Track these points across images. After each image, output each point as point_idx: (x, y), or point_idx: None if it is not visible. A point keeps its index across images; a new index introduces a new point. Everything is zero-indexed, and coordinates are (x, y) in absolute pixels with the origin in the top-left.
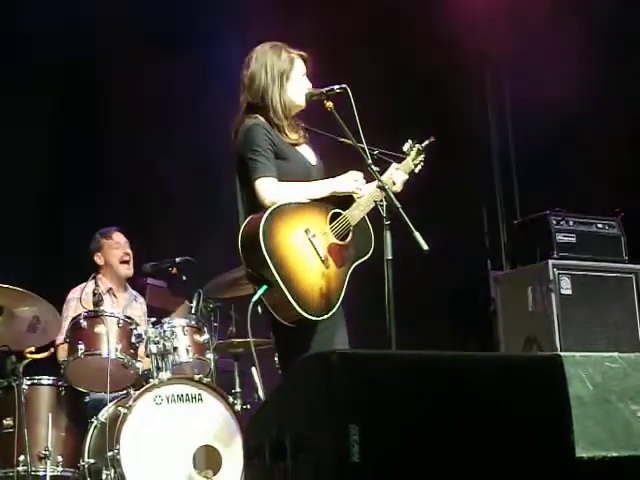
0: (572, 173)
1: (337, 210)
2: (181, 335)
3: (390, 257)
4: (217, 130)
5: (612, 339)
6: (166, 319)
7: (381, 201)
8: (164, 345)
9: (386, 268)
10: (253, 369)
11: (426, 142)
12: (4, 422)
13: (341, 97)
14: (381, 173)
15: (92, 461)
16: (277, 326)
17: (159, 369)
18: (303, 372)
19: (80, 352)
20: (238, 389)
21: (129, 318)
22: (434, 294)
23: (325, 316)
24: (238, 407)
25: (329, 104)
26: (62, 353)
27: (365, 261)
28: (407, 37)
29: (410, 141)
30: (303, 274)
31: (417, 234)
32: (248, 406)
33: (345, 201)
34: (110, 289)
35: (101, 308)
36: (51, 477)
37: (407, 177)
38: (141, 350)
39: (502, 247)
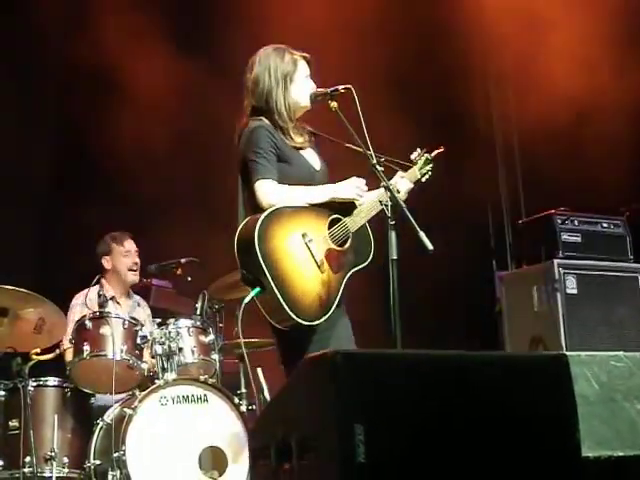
0: (577, 173)
1: (337, 216)
2: (186, 336)
3: (395, 257)
4: (222, 130)
5: (617, 338)
6: (171, 320)
7: (386, 201)
8: (169, 346)
9: (391, 268)
10: (259, 370)
11: (435, 152)
12: (10, 423)
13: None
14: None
15: (98, 462)
16: (275, 327)
17: (164, 370)
18: (308, 372)
19: (85, 353)
20: (243, 390)
21: (134, 319)
22: (439, 294)
23: (318, 321)
24: (243, 408)
25: (333, 104)
26: (68, 355)
27: (367, 264)
28: (412, 38)
29: (419, 150)
30: (297, 278)
31: (422, 234)
32: (254, 407)
33: (346, 207)
34: (113, 297)
35: (106, 310)
36: (57, 478)
37: (412, 186)
38: (146, 351)
39: (507, 247)
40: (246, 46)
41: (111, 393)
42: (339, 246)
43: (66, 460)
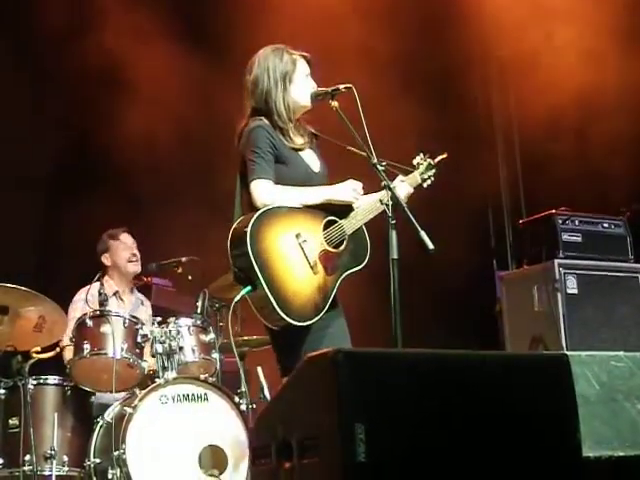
0: (578, 172)
1: (333, 218)
2: (187, 335)
3: (396, 257)
4: (225, 129)
5: (618, 338)
6: (172, 318)
7: (387, 201)
8: (170, 345)
9: (392, 268)
10: (259, 369)
11: (439, 158)
12: (10, 422)
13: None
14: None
15: (98, 461)
16: (269, 327)
17: (165, 369)
18: (309, 371)
19: (86, 352)
20: (244, 388)
21: (135, 318)
22: (440, 294)
23: (309, 322)
24: (244, 407)
25: (334, 104)
26: (68, 353)
27: (367, 263)
28: (411, 36)
29: (422, 154)
30: (289, 278)
31: (423, 233)
32: (254, 405)
33: (343, 210)
34: (116, 292)
35: (107, 308)
36: (57, 477)
37: (412, 190)
38: (147, 350)
39: (508, 247)
40: (251, 41)
41: (111, 391)
42: (334, 248)
43: (66, 458)
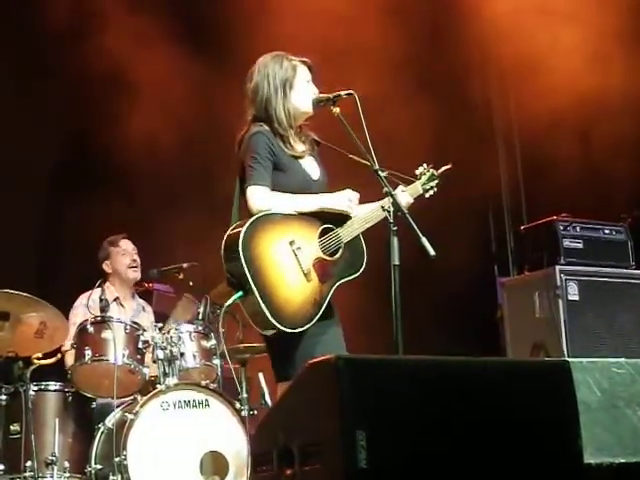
0: (579, 178)
1: (329, 226)
2: (188, 341)
3: (397, 263)
4: (227, 134)
5: (619, 345)
6: (173, 324)
7: (388, 207)
8: (171, 351)
9: (393, 274)
10: (260, 375)
11: (443, 169)
12: (11, 428)
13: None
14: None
15: (99, 467)
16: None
17: (166, 375)
18: (310, 378)
19: (87, 358)
20: (245, 395)
21: (136, 324)
22: (441, 300)
23: (300, 329)
24: (245, 413)
25: (336, 110)
26: (69, 359)
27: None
28: (411, 40)
29: (425, 165)
30: (281, 285)
31: (424, 239)
32: (255, 412)
33: (339, 218)
34: (117, 298)
35: (108, 314)
36: None
37: (412, 200)
38: (148, 356)
39: (509, 253)
40: (252, 45)
41: (112, 397)
42: (330, 256)
43: (67, 465)
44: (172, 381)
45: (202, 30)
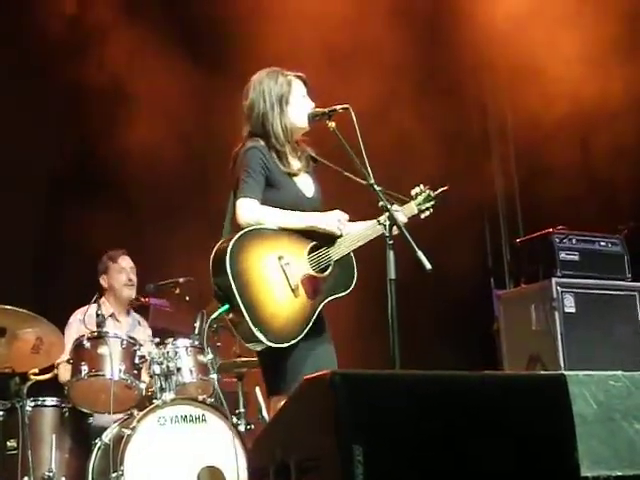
0: (575, 191)
1: (318, 243)
2: (184, 356)
3: (393, 277)
4: (226, 147)
5: (616, 357)
6: (170, 339)
7: (385, 221)
8: (168, 366)
9: (389, 288)
10: (257, 389)
11: (439, 190)
12: (8, 444)
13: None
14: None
15: None
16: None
17: (163, 390)
18: (307, 393)
19: (84, 373)
20: (242, 409)
21: (132, 339)
22: (437, 313)
23: (285, 344)
24: (242, 427)
25: (331, 124)
26: (65, 374)
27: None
28: (406, 46)
29: (421, 186)
30: (268, 300)
31: (420, 253)
32: (252, 426)
33: (331, 236)
34: (113, 314)
35: (104, 329)
36: None
37: (405, 220)
38: (145, 371)
39: (505, 265)
40: (256, 56)
41: (109, 413)
42: (319, 273)
43: None
44: (169, 396)
45: (203, 41)
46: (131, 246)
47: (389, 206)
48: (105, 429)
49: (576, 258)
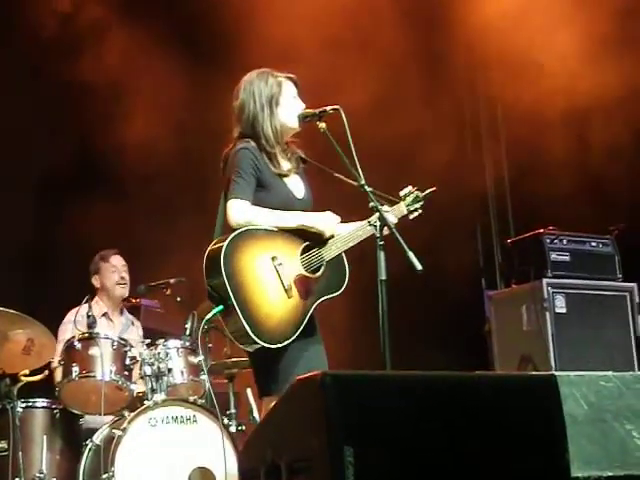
0: (566, 191)
1: (311, 243)
2: (175, 357)
3: (384, 278)
4: (222, 148)
5: (606, 357)
6: (161, 340)
7: (375, 222)
8: (159, 367)
9: (380, 288)
10: (248, 390)
11: (427, 191)
12: None
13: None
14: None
15: None
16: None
17: (153, 391)
18: (297, 394)
19: (74, 374)
20: (233, 410)
21: (123, 340)
22: (428, 313)
23: (279, 345)
24: (233, 428)
25: (322, 125)
26: (57, 375)
27: (339, 294)
28: (400, 44)
29: (410, 187)
30: (262, 301)
31: (411, 254)
32: (243, 427)
33: (321, 237)
34: (105, 313)
35: (95, 330)
36: None
37: (395, 221)
38: (136, 372)
39: (496, 266)
40: (252, 51)
41: (100, 414)
42: (311, 273)
43: None
44: (160, 397)
45: (198, 35)
46: (124, 245)
47: (379, 207)
48: (96, 430)
49: (567, 259)
